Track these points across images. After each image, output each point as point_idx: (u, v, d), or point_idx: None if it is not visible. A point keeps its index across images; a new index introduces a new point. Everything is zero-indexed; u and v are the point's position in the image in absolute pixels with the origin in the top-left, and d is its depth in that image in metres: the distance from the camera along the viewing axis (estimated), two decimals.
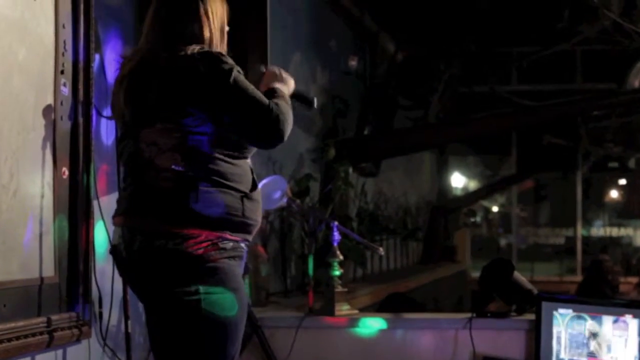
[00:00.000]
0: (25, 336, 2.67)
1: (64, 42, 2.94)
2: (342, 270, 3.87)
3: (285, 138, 2.29)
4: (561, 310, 3.42)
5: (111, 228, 2.42)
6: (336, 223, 3.79)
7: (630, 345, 3.29)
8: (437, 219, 10.99)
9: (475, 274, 9.88)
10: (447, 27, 8.64)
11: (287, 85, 2.50)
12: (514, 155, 14.20)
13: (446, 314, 4.49)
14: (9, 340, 2.58)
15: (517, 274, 3.67)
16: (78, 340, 3.01)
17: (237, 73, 2.26)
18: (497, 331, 3.65)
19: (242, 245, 2.34)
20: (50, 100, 2.87)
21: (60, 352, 2.96)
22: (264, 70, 2.53)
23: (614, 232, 16.18)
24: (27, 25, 2.75)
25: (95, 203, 3.11)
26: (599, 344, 3.34)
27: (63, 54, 2.93)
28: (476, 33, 8.94)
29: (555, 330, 3.43)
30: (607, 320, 3.34)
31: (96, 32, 3.15)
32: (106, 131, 3.32)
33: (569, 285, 11.22)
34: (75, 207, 3.00)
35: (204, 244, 2.23)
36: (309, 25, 6.81)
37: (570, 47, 8.74)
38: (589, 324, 3.36)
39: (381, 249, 4.00)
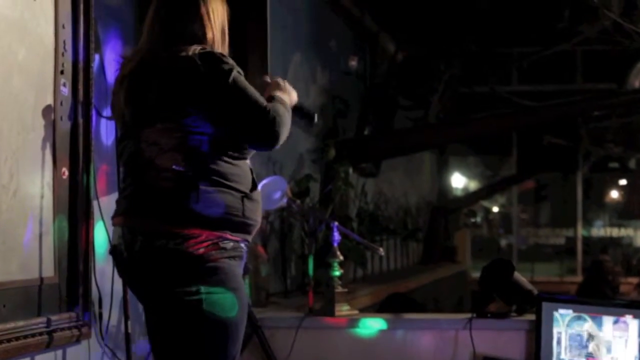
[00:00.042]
0: (25, 336, 2.67)
1: (64, 42, 2.94)
2: (342, 271, 3.87)
3: (281, 141, 2.29)
4: (561, 311, 3.42)
5: (111, 228, 2.42)
6: (336, 223, 3.79)
7: (631, 345, 3.28)
8: (437, 219, 10.99)
9: (476, 275, 9.89)
10: (448, 27, 8.64)
11: (290, 97, 2.51)
12: (514, 155, 14.20)
13: (446, 314, 4.48)
14: (9, 340, 2.58)
15: (517, 275, 3.67)
16: (78, 341, 3.01)
17: (237, 74, 2.26)
18: (498, 331, 3.65)
19: (242, 245, 2.34)
20: (50, 100, 2.86)
21: (60, 352, 2.95)
22: (269, 80, 2.55)
23: (615, 232, 16.19)
24: (26, 25, 2.74)
25: (95, 203, 3.11)
26: (597, 346, 3.34)
27: (63, 54, 2.93)
28: (476, 33, 8.94)
29: (555, 330, 3.42)
30: (608, 320, 3.33)
31: (96, 32, 3.15)
32: (106, 131, 3.32)
33: (569, 285, 11.22)
34: (75, 208, 2.99)
35: (205, 244, 2.23)
36: (309, 25, 6.81)
37: (570, 47, 8.74)
38: (588, 325, 3.36)
39: (381, 249, 4.00)
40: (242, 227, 2.32)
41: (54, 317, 2.84)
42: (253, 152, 2.40)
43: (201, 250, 2.22)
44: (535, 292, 3.66)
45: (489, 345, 3.61)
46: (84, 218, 3.03)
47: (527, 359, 3.57)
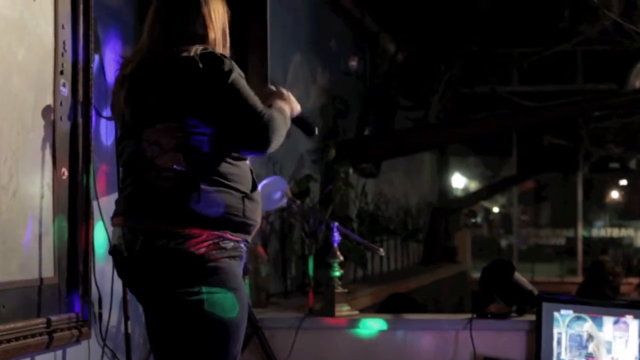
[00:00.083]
0: (25, 337, 2.67)
1: (64, 42, 2.94)
2: (342, 271, 3.87)
3: (272, 148, 2.29)
4: (562, 311, 3.42)
5: (111, 228, 2.42)
6: (336, 224, 3.79)
7: (631, 346, 3.28)
8: (437, 219, 10.99)
9: (476, 275, 9.88)
10: (448, 27, 8.64)
11: (292, 107, 2.52)
12: (514, 156, 14.20)
13: (447, 314, 4.48)
14: (8, 341, 2.58)
15: (517, 275, 3.67)
16: (78, 341, 3.01)
17: (237, 76, 2.26)
18: (498, 332, 3.65)
19: (242, 245, 2.34)
20: (49, 100, 2.86)
21: (59, 353, 2.95)
22: (273, 89, 2.55)
23: (615, 232, 16.18)
24: (26, 26, 2.74)
25: (94, 203, 3.11)
26: (597, 346, 3.33)
27: (62, 54, 2.93)
28: (477, 33, 8.94)
29: (555, 331, 3.42)
30: (608, 321, 3.33)
31: (96, 32, 3.14)
32: (105, 132, 3.32)
33: (569, 286, 11.21)
34: (74, 208, 2.99)
35: (206, 244, 2.23)
36: (309, 26, 6.81)
37: (571, 47, 8.73)
38: (588, 326, 3.36)
39: (381, 249, 4.00)
40: (243, 227, 2.32)
41: (53, 318, 2.84)
42: None
43: (202, 250, 2.22)
44: (536, 292, 3.66)
45: (489, 346, 3.61)
46: (84, 218, 3.03)
47: None
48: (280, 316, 4.04)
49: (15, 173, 2.65)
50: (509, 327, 3.65)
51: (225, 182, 2.28)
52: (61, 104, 2.92)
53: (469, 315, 3.69)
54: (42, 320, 2.78)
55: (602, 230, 16.15)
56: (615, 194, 16.65)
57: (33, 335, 2.71)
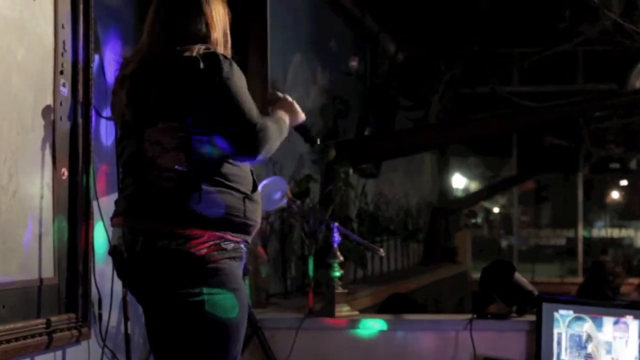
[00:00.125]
0: (25, 337, 2.66)
1: (63, 42, 2.93)
2: (342, 272, 3.87)
3: (261, 157, 2.28)
4: (562, 312, 3.41)
5: (111, 229, 2.41)
6: (336, 224, 3.79)
7: (631, 346, 3.28)
8: (437, 220, 10.98)
9: (476, 275, 9.86)
10: (448, 27, 8.64)
11: (295, 117, 2.52)
12: (514, 156, 14.18)
13: (447, 315, 4.48)
14: (8, 341, 2.58)
15: (517, 275, 3.66)
16: (77, 342, 3.00)
17: (236, 79, 2.25)
18: (498, 332, 3.64)
19: (242, 246, 2.34)
20: (49, 100, 2.86)
21: (59, 353, 2.95)
22: (280, 95, 2.55)
23: (615, 233, 16.17)
24: (26, 25, 2.74)
25: (94, 203, 3.11)
26: (596, 347, 3.33)
27: (62, 54, 2.93)
28: (477, 33, 8.93)
29: (555, 331, 3.42)
30: (608, 321, 3.33)
31: (96, 32, 3.14)
32: (106, 132, 3.31)
33: (569, 286, 11.21)
34: (74, 208, 2.99)
35: (207, 244, 2.23)
36: (309, 26, 6.81)
37: (571, 47, 8.73)
38: (587, 326, 3.35)
39: (382, 250, 3.99)
40: (243, 227, 2.31)
41: (53, 318, 2.83)
42: None
43: (203, 251, 2.22)
44: (536, 292, 3.65)
45: (489, 346, 3.61)
46: (84, 218, 3.03)
47: None
48: (280, 316, 4.04)
49: (15, 173, 2.65)
50: (509, 327, 3.65)
51: (226, 182, 2.27)
52: (61, 104, 2.92)
53: (469, 316, 3.69)
54: (42, 320, 2.78)
55: (602, 231, 16.14)
56: (615, 195, 16.65)
57: (33, 336, 2.71)
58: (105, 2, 3.30)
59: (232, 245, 2.28)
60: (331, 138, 6.77)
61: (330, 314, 3.81)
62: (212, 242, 2.23)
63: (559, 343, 3.41)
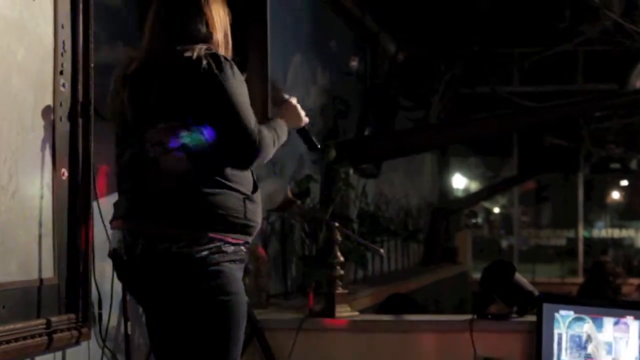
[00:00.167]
0: (24, 338, 2.66)
1: (63, 42, 2.93)
2: (342, 272, 3.86)
3: (255, 164, 2.27)
4: (562, 312, 3.41)
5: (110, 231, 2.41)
6: (337, 224, 3.78)
7: (631, 347, 3.27)
8: (438, 220, 10.98)
9: (476, 276, 9.88)
10: (448, 27, 8.63)
11: (297, 120, 2.51)
12: (515, 156, 14.19)
13: (447, 315, 4.48)
14: (8, 342, 2.57)
15: (518, 276, 3.66)
16: (77, 342, 3.00)
17: (236, 82, 2.24)
18: (498, 333, 3.64)
19: (243, 248, 2.34)
20: (49, 100, 2.86)
21: (59, 354, 2.94)
22: (285, 97, 2.55)
23: (616, 233, 16.18)
24: (25, 25, 2.74)
25: (94, 204, 3.10)
26: (596, 347, 3.33)
27: (62, 54, 2.92)
28: (477, 33, 8.93)
29: (556, 332, 3.42)
30: (608, 321, 3.32)
31: (96, 32, 3.14)
32: (106, 132, 3.30)
33: (570, 286, 11.22)
34: (74, 208, 2.98)
35: (208, 247, 2.22)
36: (309, 26, 6.80)
37: (571, 47, 8.73)
38: (587, 327, 3.35)
39: (382, 250, 4.00)
40: (244, 228, 2.31)
41: (53, 319, 2.83)
42: None
43: (204, 254, 2.22)
44: (536, 293, 3.65)
45: (489, 347, 3.60)
46: (84, 219, 3.02)
47: None
48: (280, 317, 4.04)
49: (15, 173, 2.65)
50: (509, 327, 3.64)
51: (227, 183, 2.27)
52: (61, 104, 2.91)
53: (469, 316, 3.69)
54: (42, 321, 2.77)
55: (602, 231, 16.16)
56: (616, 195, 16.66)
57: (33, 336, 2.70)
58: (106, 1, 3.30)
59: (232, 247, 2.28)
60: (331, 138, 6.76)
61: (331, 314, 3.81)
62: (212, 245, 2.23)
63: (559, 343, 3.41)
